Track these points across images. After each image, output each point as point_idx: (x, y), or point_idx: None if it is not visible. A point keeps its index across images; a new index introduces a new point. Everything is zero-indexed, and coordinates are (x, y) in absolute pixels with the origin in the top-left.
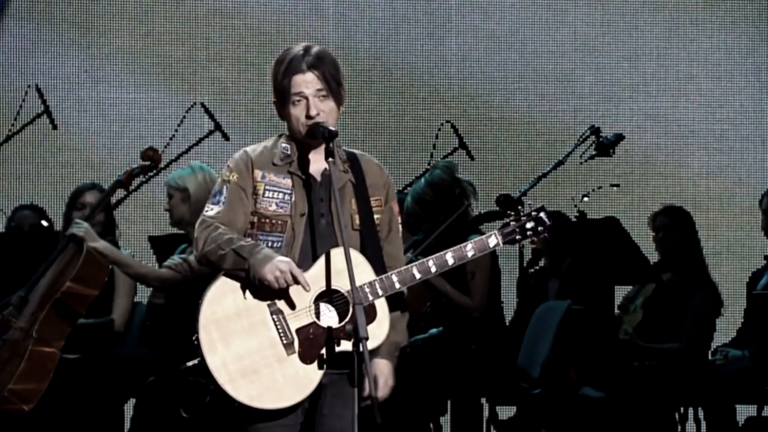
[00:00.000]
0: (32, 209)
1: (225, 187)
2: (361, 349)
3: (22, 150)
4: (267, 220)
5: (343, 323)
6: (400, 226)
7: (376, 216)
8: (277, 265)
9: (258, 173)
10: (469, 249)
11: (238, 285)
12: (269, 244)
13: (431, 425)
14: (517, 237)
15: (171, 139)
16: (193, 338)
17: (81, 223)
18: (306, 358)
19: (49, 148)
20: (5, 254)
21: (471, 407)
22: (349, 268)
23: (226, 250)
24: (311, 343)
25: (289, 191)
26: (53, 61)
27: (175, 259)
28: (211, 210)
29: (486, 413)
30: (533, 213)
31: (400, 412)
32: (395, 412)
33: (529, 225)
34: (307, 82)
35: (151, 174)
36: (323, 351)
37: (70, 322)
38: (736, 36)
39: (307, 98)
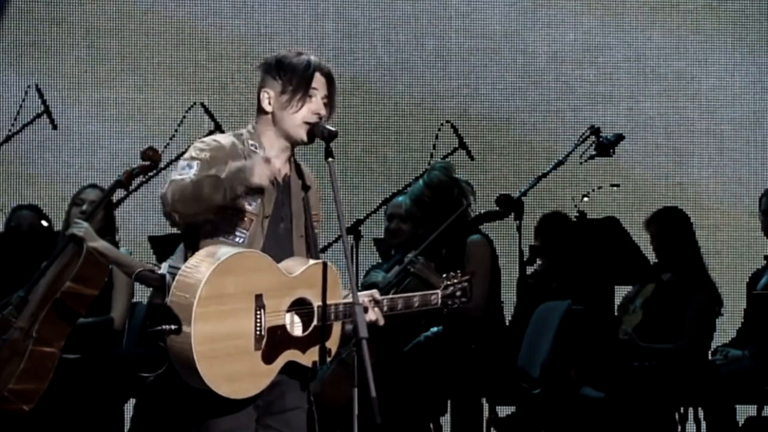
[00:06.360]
0: (31, 209)
1: (196, 163)
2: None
3: (22, 150)
4: (237, 213)
5: (306, 333)
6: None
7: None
8: (256, 166)
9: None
10: (416, 300)
11: (240, 268)
12: (234, 239)
13: (431, 425)
14: (449, 302)
15: (171, 139)
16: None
17: (81, 223)
18: (267, 358)
19: (49, 148)
20: (5, 254)
21: (471, 407)
22: (351, 277)
23: (196, 181)
24: (275, 346)
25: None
26: (53, 61)
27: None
28: (179, 177)
29: (486, 413)
30: (464, 282)
31: (400, 412)
32: (395, 412)
33: (458, 293)
34: (322, 84)
35: (151, 174)
36: (282, 356)
37: (70, 322)
38: (736, 36)
39: (317, 98)
